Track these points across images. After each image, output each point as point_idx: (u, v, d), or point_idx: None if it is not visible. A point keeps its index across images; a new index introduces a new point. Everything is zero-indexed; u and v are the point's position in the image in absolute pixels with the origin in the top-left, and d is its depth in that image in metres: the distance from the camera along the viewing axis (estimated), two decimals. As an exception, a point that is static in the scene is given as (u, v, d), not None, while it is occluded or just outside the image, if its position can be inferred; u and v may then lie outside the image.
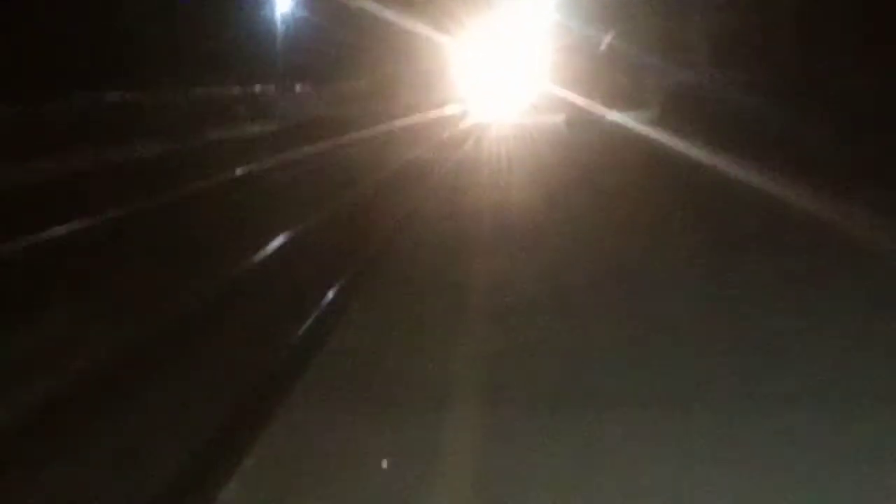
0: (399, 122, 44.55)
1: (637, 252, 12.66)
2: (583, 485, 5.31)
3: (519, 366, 7.50)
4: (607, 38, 36.63)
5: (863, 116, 20.26)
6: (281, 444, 6.04)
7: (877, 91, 20.68)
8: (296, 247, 15.26)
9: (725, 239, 13.01)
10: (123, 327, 10.59)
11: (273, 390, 7.71)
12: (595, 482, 5.31)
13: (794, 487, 5.14)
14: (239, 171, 26.27)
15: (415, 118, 47.47)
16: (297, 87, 47.69)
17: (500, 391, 6.89)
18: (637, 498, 5.24)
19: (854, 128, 20.00)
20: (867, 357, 7.40)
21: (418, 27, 50.64)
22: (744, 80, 25.82)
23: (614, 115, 34.76)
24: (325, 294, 11.68)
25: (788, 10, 24.02)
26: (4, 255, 14.54)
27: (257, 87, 41.78)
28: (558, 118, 37.51)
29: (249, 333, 10.48)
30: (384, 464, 5.68)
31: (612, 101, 36.52)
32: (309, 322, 10.46)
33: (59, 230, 16.18)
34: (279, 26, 44.42)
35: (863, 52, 21.97)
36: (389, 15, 47.34)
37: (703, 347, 7.91)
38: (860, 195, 14.89)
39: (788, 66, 24.38)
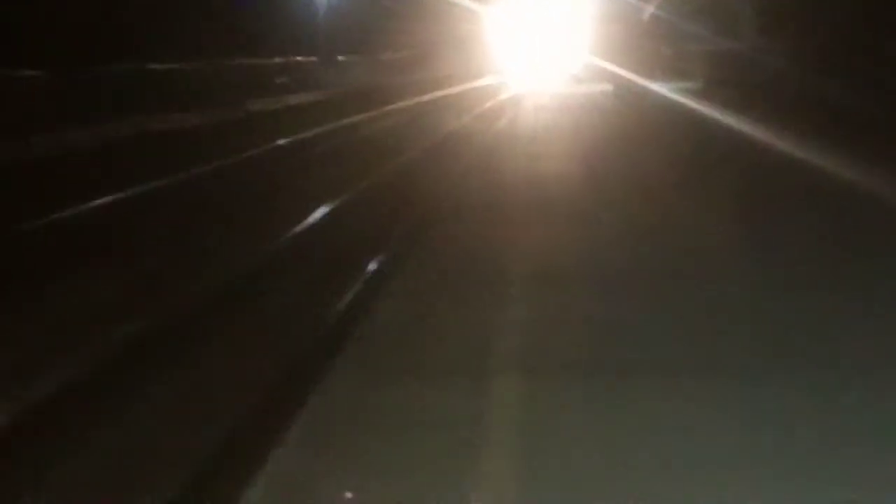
0: (440, 93, 44.78)
1: (678, 195, 14.85)
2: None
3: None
4: (650, 8, 36.37)
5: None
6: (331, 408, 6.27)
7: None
8: (351, 207, 15.71)
9: (760, 196, 14.61)
10: (203, 277, 11.41)
11: (338, 332, 8.24)
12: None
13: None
14: (281, 141, 26.30)
15: (456, 88, 47.40)
16: (339, 59, 46.59)
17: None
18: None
19: (878, 96, 20.98)
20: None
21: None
22: (788, 50, 26.10)
23: (659, 86, 34.62)
24: (376, 253, 12.06)
25: None
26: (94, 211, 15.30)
27: (300, 58, 40.85)
28: (605, 88, 37.74)
29: (322, 273, 11.42)
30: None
31: (656, 72, 36.60)
32: (368, 272, 11.11)
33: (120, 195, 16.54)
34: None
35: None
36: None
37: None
38: (862, 151, 16.40)
39: (832, 37, 24.76)
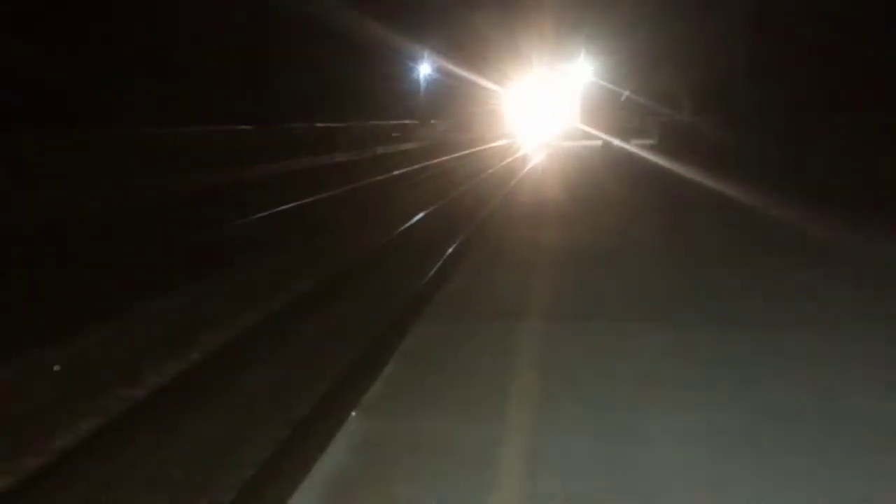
0: (483, 146, 49.98)
1: (633, 200, 17.31)
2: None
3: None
4: (625, 93, 40.60)
5: (777, 138, 23.03)
6: (425, 330, 7.02)
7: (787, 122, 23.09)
8: (441, 211, 19.19)
9: (679, 202, 17.21)
10: (350, 254, 13.78)
11: (418, 303, 9.17)
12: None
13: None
14: (396, 172, 29.72)
15: (491, 144, 53.91)
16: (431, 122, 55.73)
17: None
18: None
19: (767, 144, 23.30)
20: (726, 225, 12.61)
21: (488, 84, 57.37)
22: (708, 121, 28.81)
23: (629, 142, 39.89)
24: (457, 237, 14.71)
25: (741, 72, 25.64)
26: (292, 208, 18.54)
27: (407, 121, 46.58)
28: (593, 143, 42.25)
29: (432, 247, 13.81)
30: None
31: (628, 134, 41.08)
32: (451, 250, 13.37)
33: (308, 200, 19.92)
34: (419, 85, 52.49)
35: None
36: (469, 78, 54.44)
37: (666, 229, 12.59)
38: (762, 183, 18.46)
39: (737, 109, 26.43)
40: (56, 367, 7.99)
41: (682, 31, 28.45)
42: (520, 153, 43.65)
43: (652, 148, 34.32)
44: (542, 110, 58.52)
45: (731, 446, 4.38)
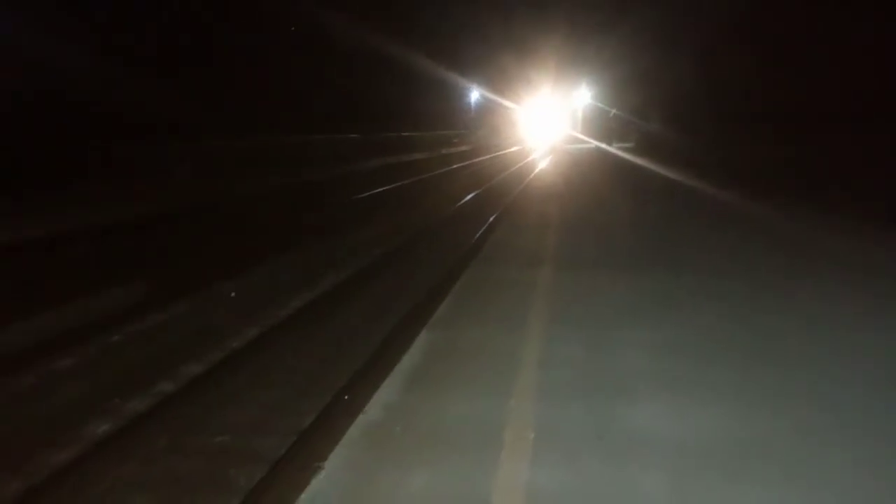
0: (508, 150, 48.03)
1: (610, 186, 17.11)
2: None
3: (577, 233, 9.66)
4: (613, 110, 39.32)
5: (717, 141, 22.65)
6: (472, 275, 7.19)
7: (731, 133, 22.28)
8: (482, 195, 18.15)
9: (644, 190, 16.45)
10: (414, 224, 13.27)
11: (470, 254, 8.82)
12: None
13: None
14: (455, 166, 29.50)
15: (512, 148, 51.36)
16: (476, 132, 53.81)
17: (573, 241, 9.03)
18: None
19: (710, 145, 22.93)
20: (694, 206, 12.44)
21: (510, 104, 55.26)
22: (674, 129, 27.89)
23: (613, 145, 38.65)
24: (495, 211, 14.20)
25: (692, 92, 24.66)
26: (357, 200, 17.14)
27: (461, 131, 45.56)
28: (586, 146, 41.15)
29: (462, 229, 12.63)
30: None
31: (613, 139, 40.07)
32: (485, 226, 12.39)
33: (379, 190, 18.96)
34: (470, 106, 50.74)
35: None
36: (498, 100, 53.08)
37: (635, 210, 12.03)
38: (711, 176, 17.66)
39: (689, 120, 25.71)
40: (232, 294, 8.36)
41: (651, 61, 27.76)
42: (536, 152, 42.44)
43: (630, 149, 33.80)
44: (550, 122, 56.09)
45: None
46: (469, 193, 18.38)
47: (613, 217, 11.11)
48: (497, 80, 51.34)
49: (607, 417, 3.58)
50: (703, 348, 4.60)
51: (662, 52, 26.65)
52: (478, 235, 11.61)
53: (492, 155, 39.18)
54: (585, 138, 43.57)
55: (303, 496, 2.83)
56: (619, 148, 35.46)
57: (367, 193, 17.77)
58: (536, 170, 24.13)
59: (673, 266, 7.06)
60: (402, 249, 11.04)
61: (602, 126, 42.49)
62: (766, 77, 19.41)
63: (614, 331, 4.97)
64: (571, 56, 41.89)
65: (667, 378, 4.12)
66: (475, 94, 52.58)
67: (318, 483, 2.93)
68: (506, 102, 54.44)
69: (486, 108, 55.94)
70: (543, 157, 33.42)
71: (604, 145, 38.26)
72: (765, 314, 5.32)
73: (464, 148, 41.04)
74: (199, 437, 4.66)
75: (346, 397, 4.92)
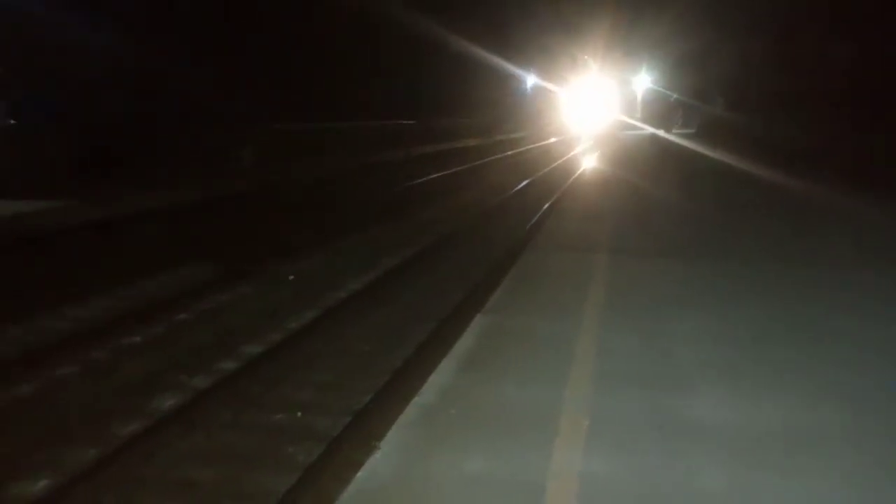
0: (561, 136, 46.00)
1: (673, 169, 16.91)
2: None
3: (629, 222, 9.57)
4: (674, 95, 37.92)
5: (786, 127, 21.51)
6: (528, 260, 7.12)
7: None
8: (529, 184, 18.04)
9: (702, 172, 16.89)
10: (471, 210, 13.65)
11: (523, 241, 8.96)
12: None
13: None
14: (510, 151, 29.28)
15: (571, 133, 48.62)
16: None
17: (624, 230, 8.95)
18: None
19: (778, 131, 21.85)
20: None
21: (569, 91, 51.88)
22: (737, 113, 26.93)
23: (674, 131, 37.17)
24: (548, 200, 14.20)
25: (759, 74, 24.04)
26: (414, 187, 16.97)
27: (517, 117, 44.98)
28: (651, 132, 39.33)
29: (516, 217, 12.85)
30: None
31: (674, 125, 38.54)
32: (538, 215, 12.60)
33: (433, 176, 18.79)
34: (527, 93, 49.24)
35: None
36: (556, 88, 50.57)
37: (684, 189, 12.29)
38: (771, 161, 17.14)
39: (756, 104, 24.91)
40: (290, 277, 8.57)
41: (712, 39, 26.62)
42: (605, 136, 40.28)
43: (691, 136, 32.62)
44: (609, 108, 51.53)
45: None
46: (524, 180, 18.21)
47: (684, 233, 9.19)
48: (546, 64, 48.63)
49: (664, 407, 3.50)
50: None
51: (724, 29, 25.55)
52: (532, 223, 11.58)
53: (550, 141, 38.26)
54: (639, 124, 41.70)
55: (359, 474, 2.86)
56: (679, 135, 34.14)
57: (422, 179, 17.82)
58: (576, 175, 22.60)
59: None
60: (457, 234, 11.07)
61: (658, 110, 40.98)
62: (843, 55, 18.32)
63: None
64: (623, 34, 39.99)
65: (728, 369, 3.99)
66: (531, 80, 48.92)
67: (374, 462, 2.96)
68: (557, 86, 50.82)
69: (544, 97, 51.94)
70: (589, 149, 31.83)
71: (661, 132, 36.81)
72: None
73: (517, 135, 39.31)
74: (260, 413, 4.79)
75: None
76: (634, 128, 42.34)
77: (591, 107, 50.71)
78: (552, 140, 40.30)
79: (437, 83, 30.48)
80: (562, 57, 45.83)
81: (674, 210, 10.58)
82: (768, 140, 21.50)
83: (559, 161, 25.70)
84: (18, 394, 5.16)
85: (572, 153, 29.36)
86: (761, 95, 23.99)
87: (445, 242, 10.57)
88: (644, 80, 43.05)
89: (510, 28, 36.58)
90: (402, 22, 24.52)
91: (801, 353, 4.29)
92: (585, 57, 46.32)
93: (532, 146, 34.42)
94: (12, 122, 14.05)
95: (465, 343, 4.43)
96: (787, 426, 3.32)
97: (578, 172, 19.27)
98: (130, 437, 4.44)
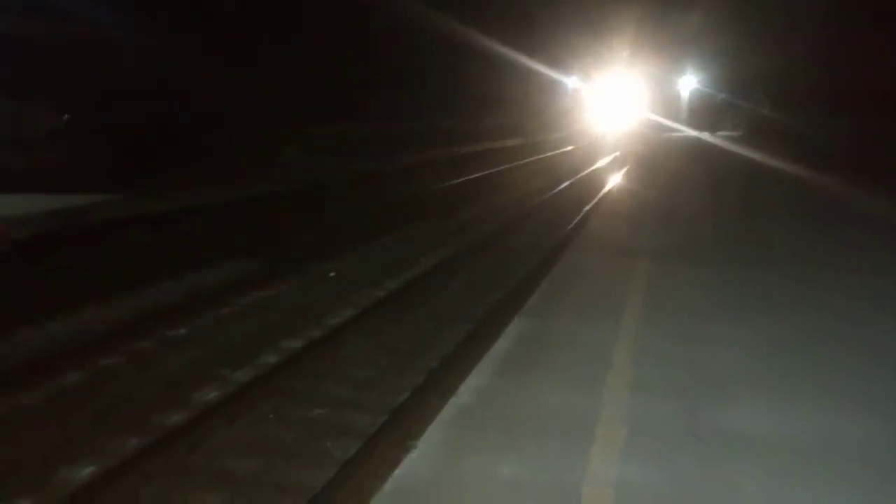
0: (594, 134, 43.81)
1: (714, 170, 16.89)
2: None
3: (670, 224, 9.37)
4: (721, 96, 37.10)
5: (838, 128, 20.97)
6: (566, 263, 7.06)
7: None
8: (569, 187, 17.68)
9: (752, 175, 16.40)
10: (509, 212, 13.63)
11: (562, 244, 9.09)
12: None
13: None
14: (550, 152, 28.70)
15: (615, 133, 44.34)
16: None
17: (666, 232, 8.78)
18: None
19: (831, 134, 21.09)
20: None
21: (613, 93, 48.17)
22: (783, 116, 26.47)
23: (722, 133, 36.21)
24: (587, 203, 14.26)
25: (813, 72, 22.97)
26: (442, 189, 16.71)
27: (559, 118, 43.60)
28: (696, 134, 38.23)
29: (557, 216, 12.87)
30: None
31: (723, 127, 37.62)
32: (580, 216, 12.55)
33: (458, 181, 18.04)
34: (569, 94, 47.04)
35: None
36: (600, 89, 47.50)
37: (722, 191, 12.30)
38: (800, 158, 17.10)
39: (806, 109, 24.03)
40: (331, 274, 8.70)
41: (764, 44, 25.78)
42: (638, 139, 37.56)
43: (737, 138, 31.68)
44: (653, 110, 47.62)
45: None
46: (570, 178, 18.13)
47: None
48: (597, 72, 45.78)
49: (703, 416, 3.45)
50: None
51: (768, 26, 24.93)
52: (573, 224, 11.49)
53: (589, 142, 36.91)
54: (682, 126, 40.30)
55: (396, 472, 2.90)
56: (724, 138, 33.00)
57: (462, 179, 17.83)
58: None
59: None
60: (495, 236, 11.05)
61: (709, 113, 39.58)
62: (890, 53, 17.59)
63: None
64: (656, 31, 37.73)
65: (771, 379, 3.91)
66: (574, 83, 46.31)
67: (411, 461, 2.99)
68: (609, 92, 47.25)
69: (588, 97, 48.77)
70: (645, 143, 30.73)
71: (708, 134, 35.74)
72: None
73: (557, 135, 38.24)
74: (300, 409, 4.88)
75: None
76: (676, 130, 40.78)
77: (620, 106, 47.33)
78: (569, 147, 35.27)
79: (467, 84, 29.85)
80: (589, 55, 42.98)
81: (715, 215, 10.31)
82: (819, 143, 20.74)
83: (583, 174, 24.78)
84: (69, 382, 5.32)
85: (599, 163, 26.39)
86: (809, 94, 23.26)
87: (484, 243, 10.55)
88: (689, 81, 42.21)
89: (539, 28, 35.58)
90: (433, 23, 24.54)
91: (848, 363, 4.15)
92: (616, 54, 43.41)
93: (581, 145, 33.67)
94: (66, 116, 14.61)
95: (502, 345, 4.42)
96: (830, 439, 3.23)
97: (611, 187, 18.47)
98: (175, 427, 4.56)
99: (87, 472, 4.06)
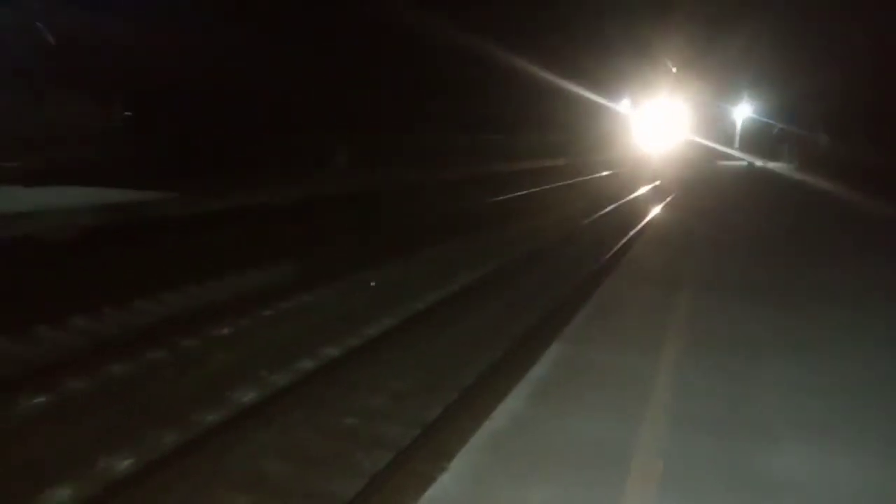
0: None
1: (765, 200, 16.63)
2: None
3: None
4: (778, 126, 36.11)
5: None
6: (607, 294, 7.17)
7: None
8: (620, 207, 17.81)
9: (809, 204, 16.39)
10: (566, 225, 14.21)
11: (607, 265, 9.41)
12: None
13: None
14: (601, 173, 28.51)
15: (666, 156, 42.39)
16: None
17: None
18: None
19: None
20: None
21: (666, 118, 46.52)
22: (843, 144, 25.41)
23: (776, 165, 35.37)
24: (640, 221, 14.69)
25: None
26: (500, 202, 17.34)
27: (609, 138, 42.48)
28: (743, 164, 37.56)
29: (605, 235, 13.13)
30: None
31: (776, 158, 36.80)
32: (635, 230, 13.26)
33: (519, 193, 19.00)
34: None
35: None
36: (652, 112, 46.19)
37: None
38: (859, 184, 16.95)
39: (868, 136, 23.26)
40: (372, 283, 8.77)
41: (818, 75, 25.22)
42: (691, 165, 36.27)
43: (793, 168, 31.36)
44: (706, 136, 45.14)
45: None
46: (615, 201, 17.93)
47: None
48: (648, 96, 44.49)
49: (742, 457, 3.36)
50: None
51: (832, 62, 24.30)
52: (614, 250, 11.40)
53: (638, 164, 36.29)
54: (745, 155, 38.94)
55: (428, 493, 2.87)
56: (780, 168, 32.72)
57: (508, 196, 17.83)
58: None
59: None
60: (538, 253, 11.04)
61: (763, 142, 38.81)
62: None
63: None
64: (702, 51, 36.85)
65: (814, 424, 3.78)
66: (626, 106, 44.93)
67: (443, 483, 2.96)
68: (661, 117, 45.29)
69: (639, 119, 46.94)
70: (698, 170, 30.03)
71: (768, 163, 35.11)
72: None
73: (605, 157, 37.44)
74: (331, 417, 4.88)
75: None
76: (730, 157, 39.89)
77: (666, 130, 45.36)
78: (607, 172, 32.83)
79: (517, 104, 29.80)
80: (636, 78, 41.88)
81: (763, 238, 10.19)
82: (877, 170, 20.22)
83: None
84: (112, 375, 5.47)
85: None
86: (868, 124, 22.62)
87: (530, 259, 10.57)
88: (744, 110, 41.41)
89: (586, 52, 35.06)
90: (489, 50, 24.77)
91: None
92: (662, 78, 42.29)
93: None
94: (127, 113, 15.10)
95: (538, 370, 4.38)
96: (873, 492, 3.12)
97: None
98: (211, 427, 4.64)
99: (125, 464, 4.11)
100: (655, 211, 16.37)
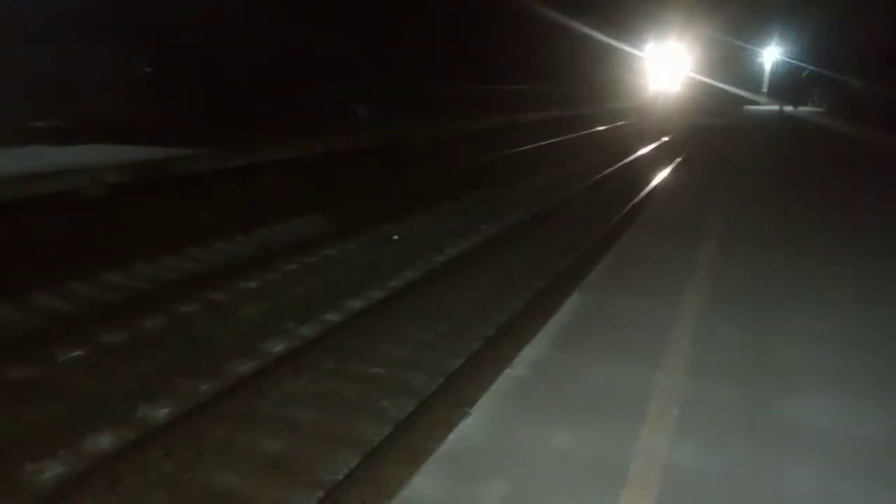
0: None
1: (791, 141, 16.68)
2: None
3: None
4: (807, 69, 35.24)
5: None
6: (627, 242, 7.18)
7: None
8: (639, 158, 17.57)
9: (832, 147, 16.16)
10: (583, 181, 13.78)
11: (625, 221, 9.12)
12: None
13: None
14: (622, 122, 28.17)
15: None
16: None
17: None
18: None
19: None
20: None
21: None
22: (875, 87, 24.74)
23: (806, 108, 34.26)
24: (661, 168, 14.67)
25: None
26: (516, 153, 17.18)
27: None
28: (774, 107, 36.43)
29: (616, 193, 12.60)
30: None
31: (806, 102, 35.69)
32: (654, 182, 13.00)
33: (528, 147, 18.23)
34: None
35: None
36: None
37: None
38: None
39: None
40: (395, 237, 8.85)
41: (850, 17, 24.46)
42: (715, 113, 34.19)
43: (822, 113, 30.31)
44: (731, 82, 42.20)
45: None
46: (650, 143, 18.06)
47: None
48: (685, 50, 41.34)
49: (759, 405, 3.42)
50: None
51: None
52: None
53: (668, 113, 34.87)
54: (757, 98, 38.31)
55: (451, 436, 2.99)
56: (808, 112, 31.83)
57: (530, 146, 17.67)
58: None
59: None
60: (560, 204, 10.98)
61: (793, 86, 37.10)
62: None
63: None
64: (766, 14, 35.82)
65: (835, 372, 3.82)
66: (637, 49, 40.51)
67: (465, 427, 3.07)
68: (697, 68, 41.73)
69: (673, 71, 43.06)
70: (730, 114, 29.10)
71: (793, 108, 34.04)
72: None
73: (633, 104, 36.83)
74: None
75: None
76: (769, 103, 38.64)
77: (682, 75, 42.90)
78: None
79: (535, 52, 28.47)
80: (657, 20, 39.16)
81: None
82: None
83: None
84: (146, 327, 5.64)
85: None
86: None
87: (549, 212, 10.51)
88: (773, 53, 39.89)
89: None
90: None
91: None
92: (682, 19, 39.34)
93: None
94: (148, 69, 15.07)
95: (559, 319, 4.44)
96: (890, 438, 3.18)
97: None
98: (244, 375, 4.80)
99: (162, 412, 4.29)
100: (678, 160, 16.11)
